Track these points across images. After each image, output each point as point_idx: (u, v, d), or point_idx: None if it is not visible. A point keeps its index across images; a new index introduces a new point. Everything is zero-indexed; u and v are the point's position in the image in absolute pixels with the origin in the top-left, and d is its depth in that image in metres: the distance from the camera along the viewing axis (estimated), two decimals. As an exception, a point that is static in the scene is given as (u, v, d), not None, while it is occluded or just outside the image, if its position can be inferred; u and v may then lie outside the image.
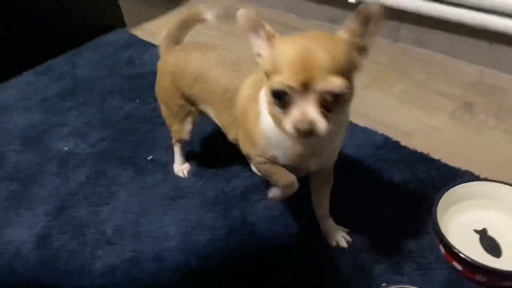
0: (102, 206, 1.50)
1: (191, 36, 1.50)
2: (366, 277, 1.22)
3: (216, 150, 1.70)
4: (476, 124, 1.72)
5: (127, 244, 1.38)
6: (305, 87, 0.83)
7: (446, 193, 1.29)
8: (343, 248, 1.30)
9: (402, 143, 1.63)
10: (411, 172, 1.51)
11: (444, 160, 1.54)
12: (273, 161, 1.10)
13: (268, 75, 0.92)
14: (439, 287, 1.18)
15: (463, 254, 1.13)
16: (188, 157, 1.64)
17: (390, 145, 1.63)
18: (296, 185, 1.14)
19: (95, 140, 1.78)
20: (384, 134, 1.67)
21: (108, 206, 1.50)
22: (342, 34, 0.90)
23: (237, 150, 1.26)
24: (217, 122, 1.33)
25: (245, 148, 1.17)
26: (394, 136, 1.66)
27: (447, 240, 1.17)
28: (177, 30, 1.48)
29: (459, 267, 1.18)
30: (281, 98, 0.87)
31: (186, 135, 1.47)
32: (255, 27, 0.93)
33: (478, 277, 1.15)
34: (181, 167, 1.61)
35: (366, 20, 0.88)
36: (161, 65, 1.42)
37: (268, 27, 0.92)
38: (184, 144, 1.58)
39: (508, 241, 1.24)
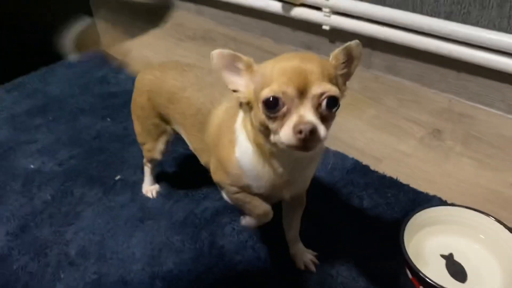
0: (67, 226, 1.46)
1: (167, 57, 1.51)
2: (334, 302, 1.21)
3: (187, 171, 1.69)
4: (444, 150, 1.76)
5: (91, 265, 1.34)
6: (301, 93, 0.82)
7: (414, 218, 1.30)
8: (311, 272, 1.29)
9: (372, 167, 1.65)
10: (380, 196, 1.52)
11: (412, 185, 1.56)
12: (246, 190, 1.08)
13: (252, 104, 0.90)
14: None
15: (429, 279, 1.13)
16: (158, 177, 1.62)
17: (360, 169, 1.64)
18: (270, 215, 1.12)
19: (64, 159, 1.74)
20: (355, 158, 1.69)
21: (73, 226, 1.46)
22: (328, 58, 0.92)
23: (208, 173, 1.25)
24: (189, 145, 1.32)
25: (216, 176, 1.15)
26: (365, 160, 1.68)
27: (413, 264, 1.17)
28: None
29: (425, 292, 1.18)
30: (273, 110, 0.84)
31: (158, 155, 1.45)
32: (229, 65, 0.92)
33: (445, 302, 1.15)
34: (150, 187, 1.59)
35: (350, 56, 0.91)
36: (139, 82, 1.40)
37: (245, 57, 0.92)
38: (155, 164, 1.56)
39: (473, 266, 1.25)
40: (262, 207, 1.10)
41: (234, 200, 1.14)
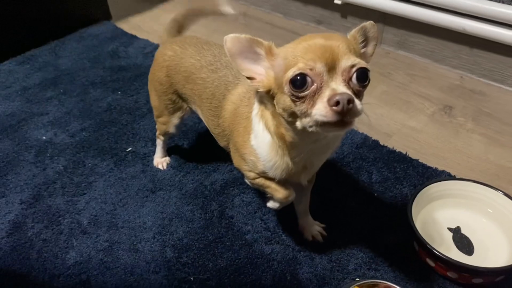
0: (79, 196, 1.49)
1: (176, 30, 1.50)
2: (341, 272, 1.22)
3: (197, 144, 1.70)
4: (455, 126, 1.75)
5: (102, 234, 1.36)
6: (330, 68, 0.79)
7: (422, 191, 1.30)
8: (318, 243, 1.31)
9: (382, 142, 1.65)
10: (389, 171, 1.53)
11: (422, 160, 1.56)
12: (264, 176, 1.09)
13: (274, 92, 0.87)
14: (412, 283, 1.19)
15: (436, 251, 1.14)
16: (169, 149, 1.63)
17: (369, 144, 1.65)
18: (291, 197, 1.11)
19: (75, 131, 1.76)
20: (364, 133, 1.69)
21: (85, 196, 1.49)
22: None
23: (219, 146, 1.27)
24: (208, 127, 1.32)
25: (235, 161, 1.16)
26: (374, 135, 1.68)
27: (421, 237, 1.18)
28: (184, 18, 1.45)
29: (432, 263, 1.19)
30: (302, 89, 0.80)
31: (172, 129, 1.46)
32: (245, 51, 0.88)
33: (450, 274, 1.16)
34: (161, 159, 1.61)
35: (366, 36, 0.90)
36: (158, 56, 1.38)
37: (265, 42, 0.88)
38: (167, 138, 1.57)
39: (480, 239, 1.26)
40: (282, 190, 1.10)
41: (255, 185, 1.14)
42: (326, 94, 0.78)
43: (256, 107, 1.01)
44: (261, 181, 1.11)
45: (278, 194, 1.10)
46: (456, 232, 1.28)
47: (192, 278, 1.23)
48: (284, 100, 0.84)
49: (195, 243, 1.33)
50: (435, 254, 1.15)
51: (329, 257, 1.27)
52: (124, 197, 1.48)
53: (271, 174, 1.06)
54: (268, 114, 0.97)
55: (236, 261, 1.27)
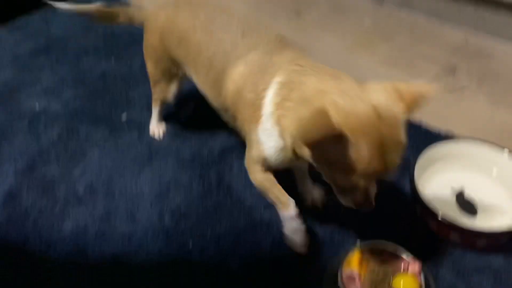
0: (74, 165, 1.46)
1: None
2: (341, 235, 1.20)
3: (194, 111, 1.65)
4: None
5: (99, 202, 1.34)
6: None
7: (425, 152, 1.27)
8: (318, 207, 1.28)
9: (384, 105, 1.60)
10: (391, 134, 1.49)
11: (424, 122, 1.52)
12: (267, 167, 1.07)
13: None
14: (414, 246, 1.16)
15: (439, 213, 1.12)
16: (165, 117, 1.59)
17: (371, 107, 1.60)
18: (292, 210, 1.09)
19: (69, 99, 1.72)
20: (366, 96, 1.64)
21: (81, 164, 1.46)
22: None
23: (216, 112, 1.24)
24: (205, 97, 1.27)
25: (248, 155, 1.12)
26: (376, 98, 1.63)
27: (423, 199, 1.15)
28: None
29: (435, 227, 1.17)
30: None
31: (170, 97, 1.43)
32: None
33: (453, 236, 1.14)
34: (157, 127, 1.57)
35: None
36: (151, 21, 1.32)
37: None
38: (164, 105, 1.53)
39: (484, 201, 1.23)
40: (284, 198, 1.09)
41: (259, 186, 1.12)
42: (357, 193, 0.91)
43: (272, 108, 0.96)
44: (265, 180, 1.10)
45: (279, 200, 1.10)
46: (460, 194, 1.25)
47: (191, 246, 1.21)
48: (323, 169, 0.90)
49: (194, 211, 1.30)
50: (437, 217, 1.12)
51: (329, 221, 1.24)
52: (120, 165, 1.45)
53: (272, 162, 1.05)
54: (287, 133, 0.93)
55: (235, 228, 1.25)
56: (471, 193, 1.25)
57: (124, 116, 1.63)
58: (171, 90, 1.41)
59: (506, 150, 1.25)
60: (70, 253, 1.22)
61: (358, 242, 1.13)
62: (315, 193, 1.31)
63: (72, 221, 1.29)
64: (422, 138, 1.46)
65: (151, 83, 1.45)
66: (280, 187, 1.11)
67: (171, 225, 1.26)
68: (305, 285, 1.12)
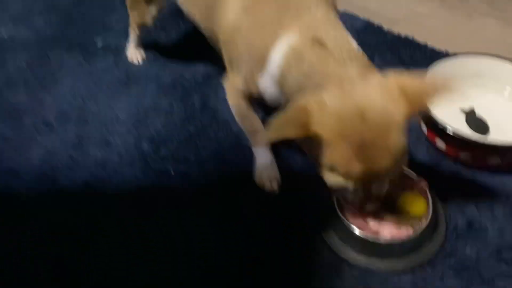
0: (44, 92, 1.32)
1: None
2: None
3: (177, 36, 1.51)
4: (468, 11, 1.55)
5: (70, 129, 1.21)
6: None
7: (431, 70, 1.13)
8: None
9: (386, 28, 1.46)
10: (394, 56, 1.36)
11: (430, 44, 1.38)
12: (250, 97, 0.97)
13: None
14: (420, 168, 1.05)
15: (450, 128, 0.99)
16: (145, 41, 1.44)
17: (372, 30, 1.46)
18: (266, 143, 1.03)
19: (39, 26, 1.57)
20: (366, 18, 1.49)
21: (51, 91, 1.32)
22: None
23: (201, 37, 1.11)
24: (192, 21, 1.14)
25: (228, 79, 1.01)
26: (378, 21, 1.49)
27: (431, 115, 1.03)
28: None
29: (442, 145, 1.05)
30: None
31: (149, 20, 1.30)
32: None
33: (462, 155, 1.02)
34: (135, 52, 1.42)
35: None
36: None
37: None
38: (142, 29, 1.38)
39: (497, 120, 1.11)
40: (259, 128, 1.01)
41: (240, 121, 1.04)
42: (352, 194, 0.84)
43: (280, 48, 0.83)
44: (248, 121, 1.02)
45: (254, 136, 1.03)
46: (470, 113, 1.13)
47: (172, 172, 1.09)
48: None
49: (175, 135, 1.18)
50: (447, 133, 1.00)
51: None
52: (95, 91, 1.32)
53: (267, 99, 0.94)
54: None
55: (221, 152, 1.13)
56: (483, 112, 1.13)
57: (99, 42, 1.48)
58: (150, 13, 1.29)
59: (520, 66, 1.12)
60: (39, 181, 1.10)
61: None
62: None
63: (41, 149, 1.16)
64: (427, 60, 1.32)
65: (128, 5, 1.32)
66: (256, 116, 1.01)
67: (149, 150, 1.14)
68: (291, 207, 1.01)
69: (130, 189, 1.06)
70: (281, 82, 0.85)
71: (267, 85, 0.89)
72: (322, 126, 0.73)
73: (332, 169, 0.76)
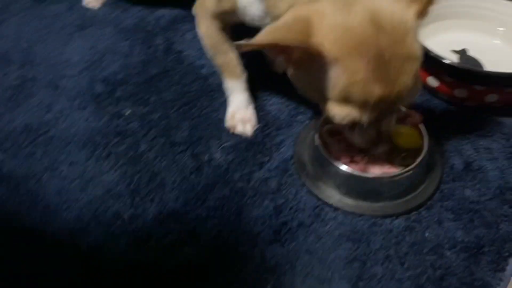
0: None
1: None
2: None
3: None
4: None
5: (13, 71, 1.06)
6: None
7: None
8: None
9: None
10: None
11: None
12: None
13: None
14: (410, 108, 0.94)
15: (445, 60, 0.89)
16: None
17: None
18: (242, 80, 0.91)
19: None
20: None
21: (-8, 35, 1.16)
22: None
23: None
24: None
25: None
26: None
27: (424, 48, 0.92)
28: None
29: (435, 83, 0.94)
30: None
31: None
32: None
33: (457, 92, 0.92)
34: (93, -4, 1.28)
35: None
36: None
37: None
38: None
39: (491, 60, 1.00)
40: (234, 62, 0.90)
41: (212, 51, 0.90)
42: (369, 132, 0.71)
43: None
44: (217, 40, 0.87)
45: (228, 72, 0.91)
46: (463, 54, 1.03)
47: (127, 113, 0.94)
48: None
49: (134, 77, 1.04)
50: (441, 69, 0.90)
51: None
52: (44, 34, 1.17)
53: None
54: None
55: (188, 94, 0.99)
56: (476, 53, 1.03)
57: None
58: None
59: (515, 3, 1.03)
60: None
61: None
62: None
63: (-26, 93, 1.00)
64: None
65: None
66: (231, 47, 0.88)
67: (103, 92, 1.00)
68: (266, 152, 0.88)
69: (78, 132, 0.91)
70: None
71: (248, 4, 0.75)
72: (328, 40, 0.59)
73: (343, 98, 0.62)
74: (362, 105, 0.62)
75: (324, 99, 0.65)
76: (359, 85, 0.60)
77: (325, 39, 0.59)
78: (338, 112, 0.64)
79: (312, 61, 0.62)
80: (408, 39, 0.61)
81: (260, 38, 0.60)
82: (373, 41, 0.59)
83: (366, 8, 0.60)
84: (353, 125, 0.69)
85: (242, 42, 0.61)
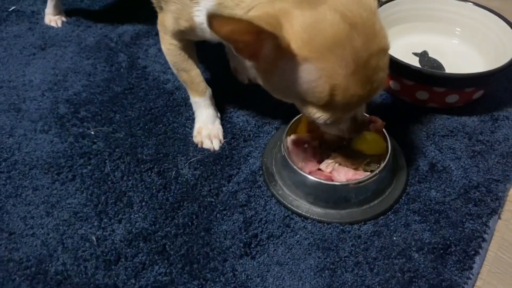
0: None
1: None
2: (287, 111, 0.96)
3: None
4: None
5: (-29, 97, 1.03)
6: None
7: (382, 10, 1.04)
8: (256, 86, 1.04)
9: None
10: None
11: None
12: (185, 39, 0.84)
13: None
14: (373, 112, 0.95)
15: (405, 64, 0.90)
16: (65, 4, 1.29)
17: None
18: (207, 95, 0.91)
19: None
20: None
21: (-52, 59, 1.13)
22: None
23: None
24: None
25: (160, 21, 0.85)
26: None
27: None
28: None
29: (396, 86, 0.96)
30: None
31: None
32: None
33: (419, 95, 0.93)
34: (54, 16, 1.26)
35: None
36: None
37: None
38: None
39: (451, 61, 1.04)
40: (198, 79, 0.90)
41: (175, 67, 0.89)
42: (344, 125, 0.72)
43: None
44: (179, 58, 0.87)
45: (194, 86, 0.90)
46: (423, 56, 1.05)
47: (92, 132, 0.93)
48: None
49: (97, 96, 1.02)
50: (402, 72, 0.91)
51: (270, 97, 1.00)
52: (4, 56, 1.14)
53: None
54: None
55: (153, 110, 0.99)
56: (436, 55, 1.05)
57: (12, 7, 1.30)
58: None
59: (469, 2, 1.05)
60: None
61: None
62: (252, 69, 1.06)
63: None
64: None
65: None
66: (194, 63, 0.89)
67: (67, 113, 0.98)
68: (234, 165, 0.88)
69: (43, 156, 0.89)
70: (223, 3, 0.67)
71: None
72: (299, 40, 0.57)
73: (324, 103, 0.61)
74: (345, 107, 0.62)
75: (301, 101, 0.64)
76: (340, 89, 0.59)
77: (296, 38, 0.57)
78: (321, 115, 0.64)
79: (282, 62, 0.59)
80: (380, 32, 0.60)
81: (235, 19, 0.55)
82: (348, 42, 0.57)
83: (333, 6, 0.58)
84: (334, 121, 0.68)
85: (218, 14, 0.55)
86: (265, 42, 0.58)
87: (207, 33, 0.76)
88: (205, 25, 0.73)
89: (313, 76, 0.58)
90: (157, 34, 1.15)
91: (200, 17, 0.74)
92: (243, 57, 0.63)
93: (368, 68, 0.59)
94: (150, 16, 0.92)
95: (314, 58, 0.57)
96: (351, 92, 0.59)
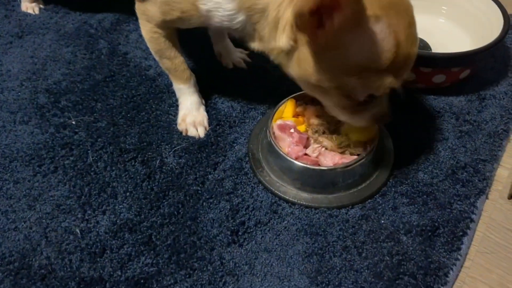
0: None
1: None
2: (272, 95, 0.95)
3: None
4: None
5: None
6: None
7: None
8: (242, 70, 1.02)
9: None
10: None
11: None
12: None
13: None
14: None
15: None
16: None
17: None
18: (191, 82, 0.89)
19: None
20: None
21: None
22: None
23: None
24: None
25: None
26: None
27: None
28: None
29: (382, 68, 0.94)
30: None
31: None
32: None
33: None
34: (31, 3, 1.22)
35: None
36: None
37: None
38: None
39: (438, 41, 1.02)
40: (181, 67, 0.87)
41: (157, 56, 0.87)
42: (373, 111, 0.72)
43: None
44: (162, 45, 0.84)
45: (176, 75, 0.89)
46: (409, 36, 1.03)
47: (73, 122, 0.91)
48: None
49: (78, 84, 1.00)
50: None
51: (256, 81, 0.99)
52: (-21, 47, 1.10)
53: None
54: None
55: (135, 97, 0.97)
56: (422, 35, 1.03)
57: (-15, -6, 1.26)
58: None
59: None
60: None
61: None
62: (237, 56, 1.04)
63: None
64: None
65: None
66: (176, 50, 0.86)
67: (47, 103, 0.96)
68: (219, 152, 0.87)
69: (23, 147, 0.87)
70: None
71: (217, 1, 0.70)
72: (369, 2, 0.56)
73: (387, 65, 0.60)
74: (399, 69, 0.62)
75: (357, 75, 0.62)
76: (401, 46, 0.59)
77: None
78: (380, 83, 0.63)
79: (352, 28, 0.57)
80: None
81: None
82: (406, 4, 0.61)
83: None
84: (370, 99, 0.67)
85: None
86: (344, 6, 0.55)
87: (215, 19, 0.73)
88: (213, 12, 0.71)
89: (384, 34, 0.58)
90: (138, 19, 1.12)
91: (207, 5, 0.71)
92: (301, 33, 0.61)
93: (413, 26, 0.62)
94: (130, 1, 0.89)
95: (384, 15, 0.58)
96: (408, 50, 0.61)
